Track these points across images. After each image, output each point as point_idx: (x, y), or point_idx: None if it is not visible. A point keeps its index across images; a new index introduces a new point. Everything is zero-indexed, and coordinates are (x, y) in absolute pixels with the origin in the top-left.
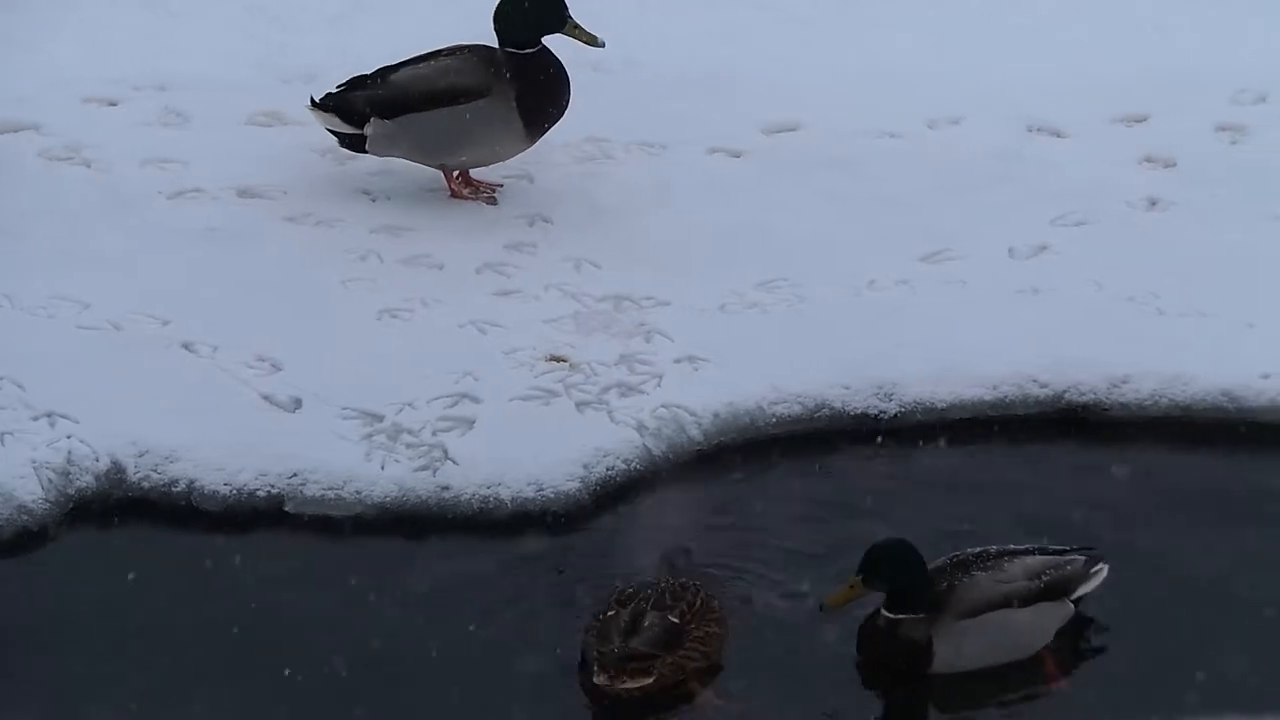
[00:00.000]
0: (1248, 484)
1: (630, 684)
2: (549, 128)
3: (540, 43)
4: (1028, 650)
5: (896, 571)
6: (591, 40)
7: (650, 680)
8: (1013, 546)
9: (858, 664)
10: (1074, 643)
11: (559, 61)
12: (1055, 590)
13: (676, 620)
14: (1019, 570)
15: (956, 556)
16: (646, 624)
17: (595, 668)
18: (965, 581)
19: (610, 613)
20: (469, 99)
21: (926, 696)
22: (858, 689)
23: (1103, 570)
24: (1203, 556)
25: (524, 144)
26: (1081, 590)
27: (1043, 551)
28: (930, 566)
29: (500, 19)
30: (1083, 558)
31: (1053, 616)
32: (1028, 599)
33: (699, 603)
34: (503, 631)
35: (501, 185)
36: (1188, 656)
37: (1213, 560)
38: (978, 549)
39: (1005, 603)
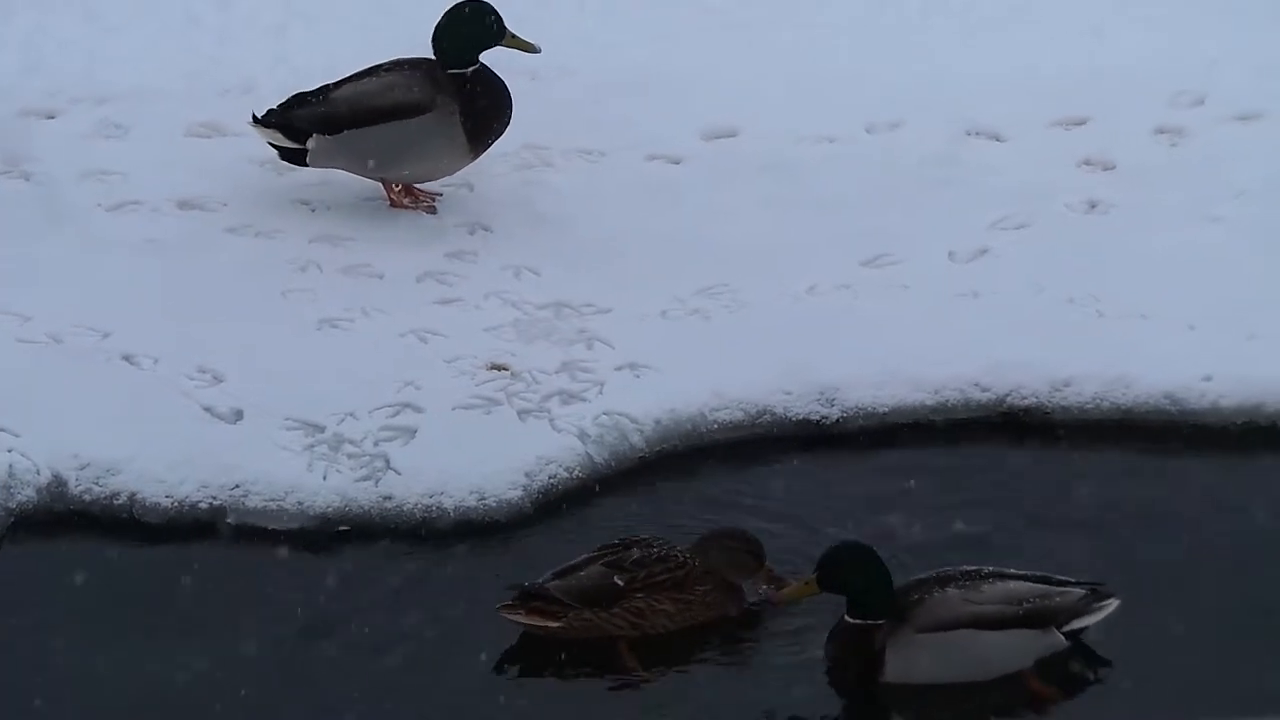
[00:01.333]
0: (1190, 486)
1: (523, 619)
2: (492, 143)
3: (479, 60)
4: (991, 673)
5: (852, 575)
6: (529, 47)
7: (554, 625)
8: (1012, 570)
9: (826, 669)
10: (1066, 669)
11: (499, 77)
12: (1038, 619)
13: (620, 583)
14: (998, 593)
15: (945, 571)
16: (582, 573)
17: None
18: (935, 596)
19: (590, 552)
20: (412, 115)
21: (888, 705)
22: (812, 691)
23: (1110, 605)
24: (1148, 560)
25: (467, 159)
26: (1078, 623)
27: (1042, 580)
28: (914, 579)
29: (439, 39)
30: (1082, 591)
31: (1030, 644)
32: (1000, 623)
33: (666, 576)
34: (443, 638)
35: (441, 194)
36: (1145, 661)
37: (1158, 563)
38: (972, 567)
39: (971, 623)
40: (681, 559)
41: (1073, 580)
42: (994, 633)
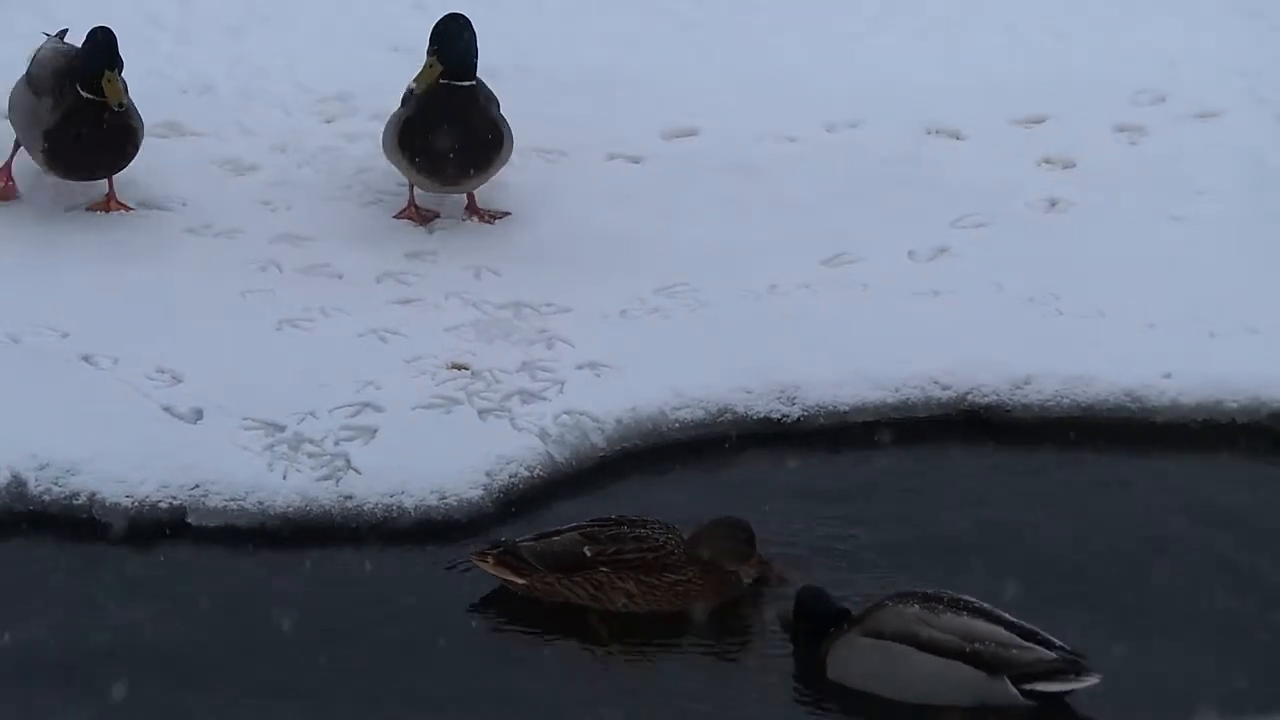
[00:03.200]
0: (1150, 483)
1: (489, 569)
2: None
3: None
4: (917, 696)
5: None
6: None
7: (519, 581)
8: (1000, 613)
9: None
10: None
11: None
12: (985, 662)
13: (588, 554)
14: (957, 624)
15: (932, 591)
16: (556, 539)
17: None
18: (897, 608)
19: (581, 522)
20: None
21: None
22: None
23: (1086, 681)
24: (1106, 555)
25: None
26: (1042, 686)
27: (1021, 630)
28: (901, 590)
29: None
30: (1053, 656)
31: (967, 683)
32: (939, 650)
33: (635, 556)
34: (409, 642)
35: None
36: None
37: (1115, 559)
38: (963, 597)
39: (911, 641)
40: (659, 543)
41: (1056, 643)
42: (929, 656)
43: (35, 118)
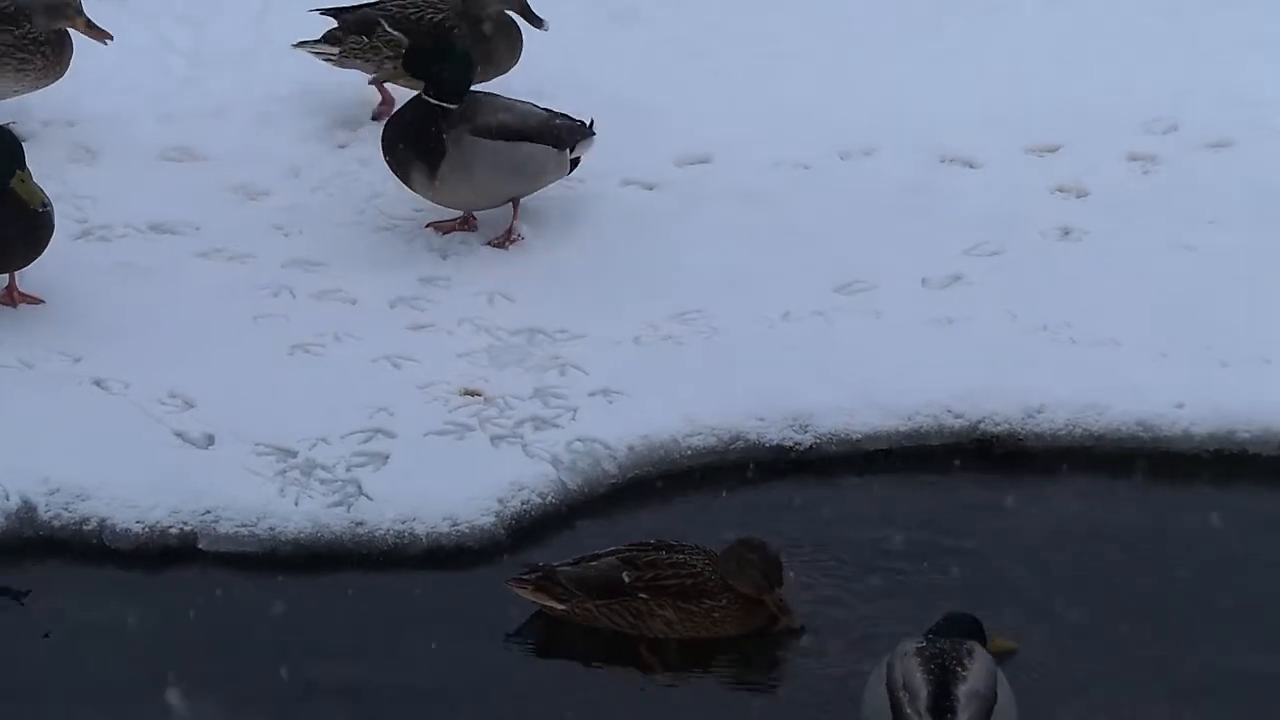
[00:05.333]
0: (1161, 514)
1: (528, 595)
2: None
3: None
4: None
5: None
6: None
7: (559, 607)
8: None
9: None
10: None
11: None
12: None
13: (627, 579)
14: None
15: None
16: (595, 564)
17: None
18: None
19: (620, 546)
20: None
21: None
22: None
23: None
24: (1116, 588)
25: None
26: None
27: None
28: None
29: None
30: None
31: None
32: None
33: (674, 583)
34: (422, 669)
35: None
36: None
37: (1124, 592)
38: None
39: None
40: (697, 569)
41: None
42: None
43: None
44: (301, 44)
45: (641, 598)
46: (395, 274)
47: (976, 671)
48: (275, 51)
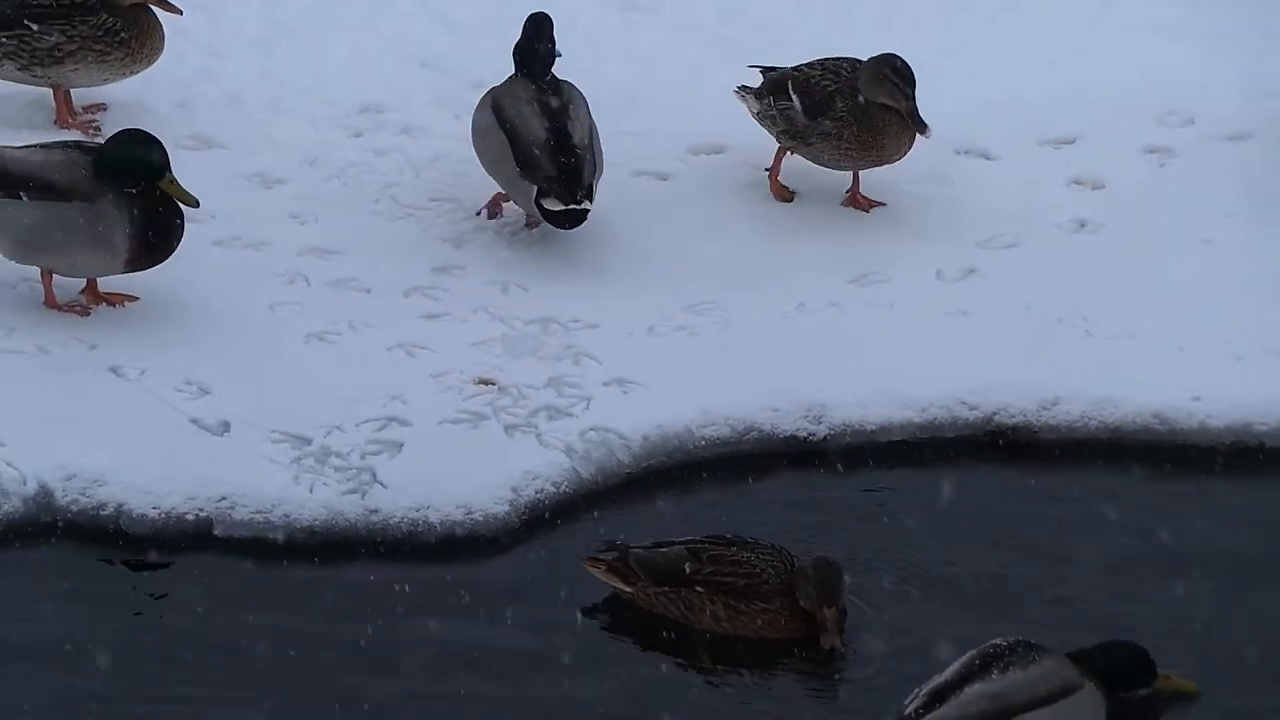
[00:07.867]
0: (1178, 506)
1: (600, 575)
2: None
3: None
4: None
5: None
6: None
7: (627, 589)
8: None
9: None
10: None
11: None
12: None
13: (687, 570)
14: None
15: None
16: (665, 550)
17: None
18: None
19: (697, 536)
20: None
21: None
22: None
23: None
24: (1132, 582)
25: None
26: None
27: None
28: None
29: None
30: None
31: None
32: None
33: (729, 580)
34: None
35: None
36: None
37: (1140, 586)
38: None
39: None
40: (757, 571)
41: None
42: None
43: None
44: (742, 89)
45: (697, 590)
46: (410, 263)
47: (1013, 679)
48: (290, 40)
